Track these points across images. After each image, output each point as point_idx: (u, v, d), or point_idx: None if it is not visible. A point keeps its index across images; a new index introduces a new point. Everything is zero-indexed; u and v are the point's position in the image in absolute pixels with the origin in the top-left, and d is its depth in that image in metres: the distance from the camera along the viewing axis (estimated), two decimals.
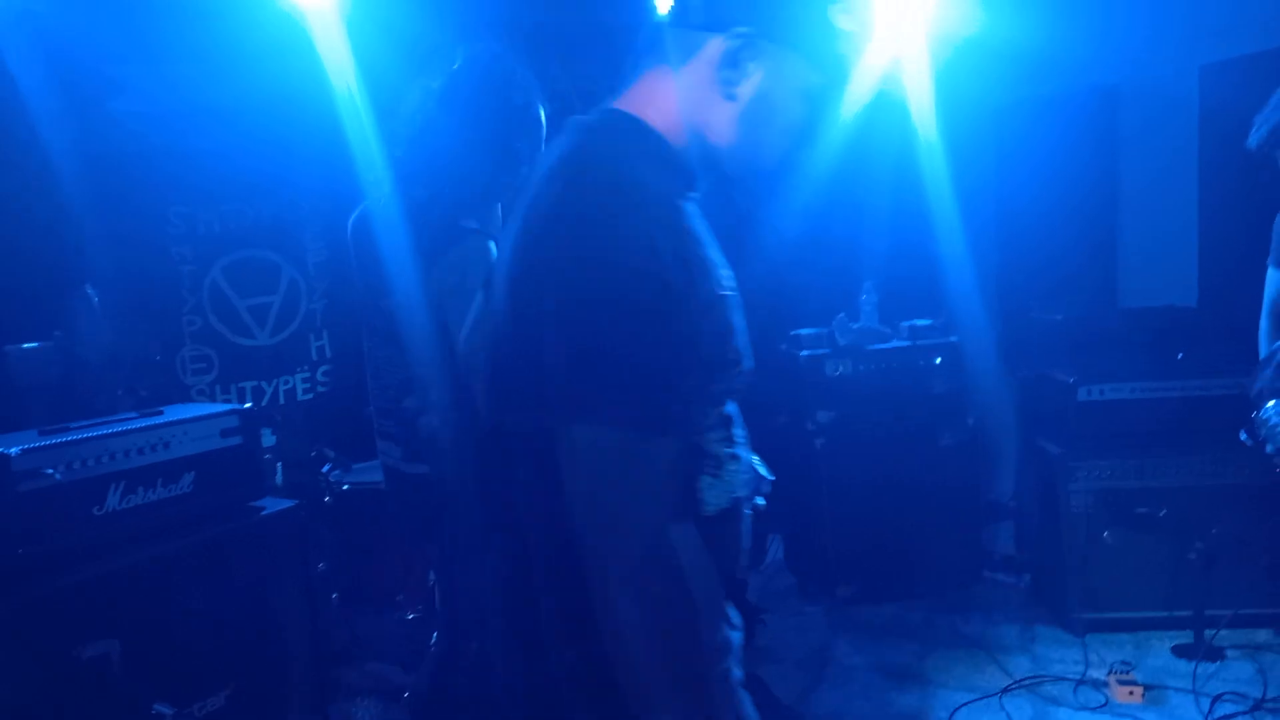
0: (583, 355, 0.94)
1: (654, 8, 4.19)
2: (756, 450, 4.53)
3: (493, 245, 1.85)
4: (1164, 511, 3.29)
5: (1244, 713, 2.84)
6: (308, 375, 4.04)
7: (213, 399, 3.80)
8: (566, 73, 4.51)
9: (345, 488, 3.27)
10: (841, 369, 3.77)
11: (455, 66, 1.92)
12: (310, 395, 4.03)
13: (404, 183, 1.86)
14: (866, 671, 3.31)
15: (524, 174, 1.96)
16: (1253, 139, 2.38)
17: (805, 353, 3.80)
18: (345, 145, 3.09)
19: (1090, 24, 4.26)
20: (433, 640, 3.00)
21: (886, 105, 4.29)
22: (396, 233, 1.78)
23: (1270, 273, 2.67)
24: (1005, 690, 3.08)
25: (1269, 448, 2.33)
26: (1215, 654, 3.17)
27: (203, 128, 3.63)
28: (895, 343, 3.84)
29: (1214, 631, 3.16)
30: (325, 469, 3.33)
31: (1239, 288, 4.03)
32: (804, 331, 3.87)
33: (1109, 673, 3.06)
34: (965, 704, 3.02)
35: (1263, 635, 3.28)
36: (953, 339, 3.84)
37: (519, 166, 1.99)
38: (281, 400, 3.96)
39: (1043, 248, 4.45)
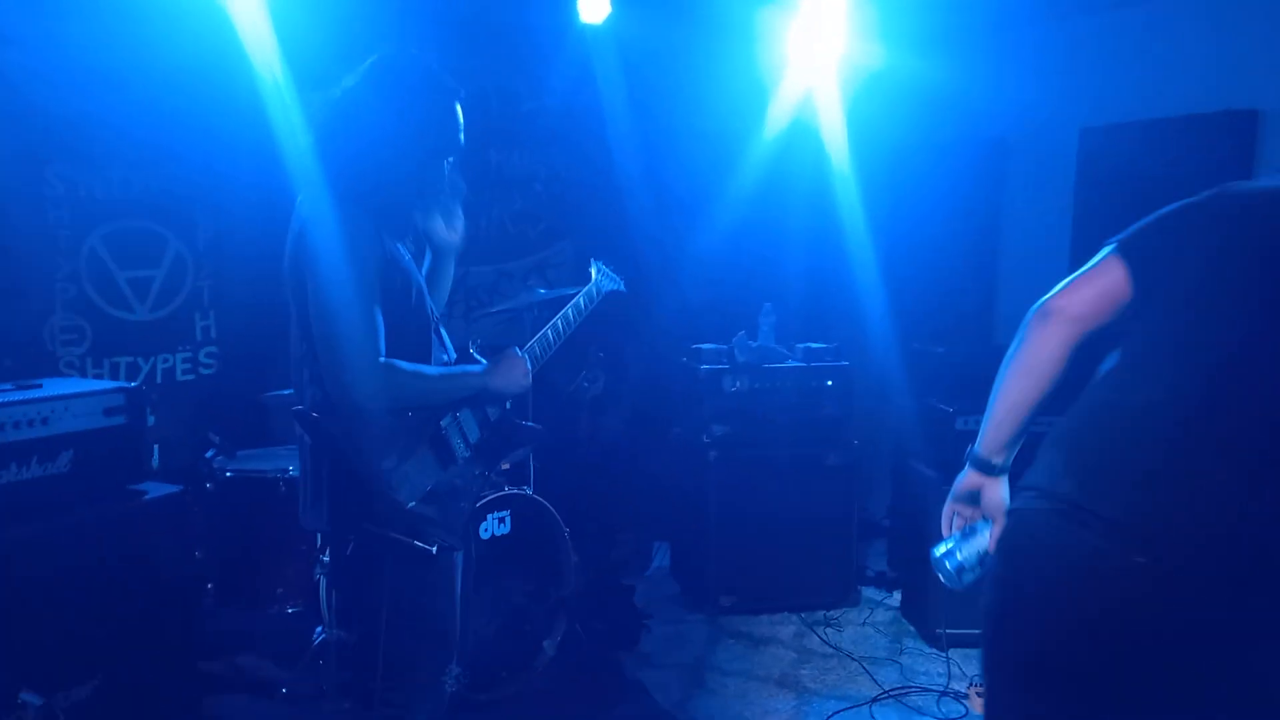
0: None
1: (576, 14, 4.23)
2: (651, 461, 4.59)
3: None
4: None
5: None
6: (189, 355, 3.86)
7: (83, 373, 3.59)
8: (488, 72, 4.50)
9: (228, 475, 3.15)
10: (738, 385, 3.87)
11: (367, 66, 1.91)
12: (192, 376, 3.86)
13: (334, 171, 1.86)
14: (744, 679, 3.41)
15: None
16: None
17: (705, 367, 3.89)
18: (259, 125, 3.00)
19: (985, 78, 4.55)
20: (316, 635, 2.93)
21: (806, 133, 4.50)
22: (328, 225, 1.79)
23: None
24: (875, 700, 3.24)
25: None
26: None
27: (93, 90, 3.45)
28: (790, 363, 3.98)
29: None
30: (209, 454, 3.19)
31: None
32: (705, 346, 3.96)
33: (969, 685, 3.26)
34: (837, 712, 3.16)
35: None
36: (844, 363, 4.01)
37: (443, 162, 1.98)
38: (159, 379, 3.77)
39: (930, 284, 4.70)
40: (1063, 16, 4.38)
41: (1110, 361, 1.51)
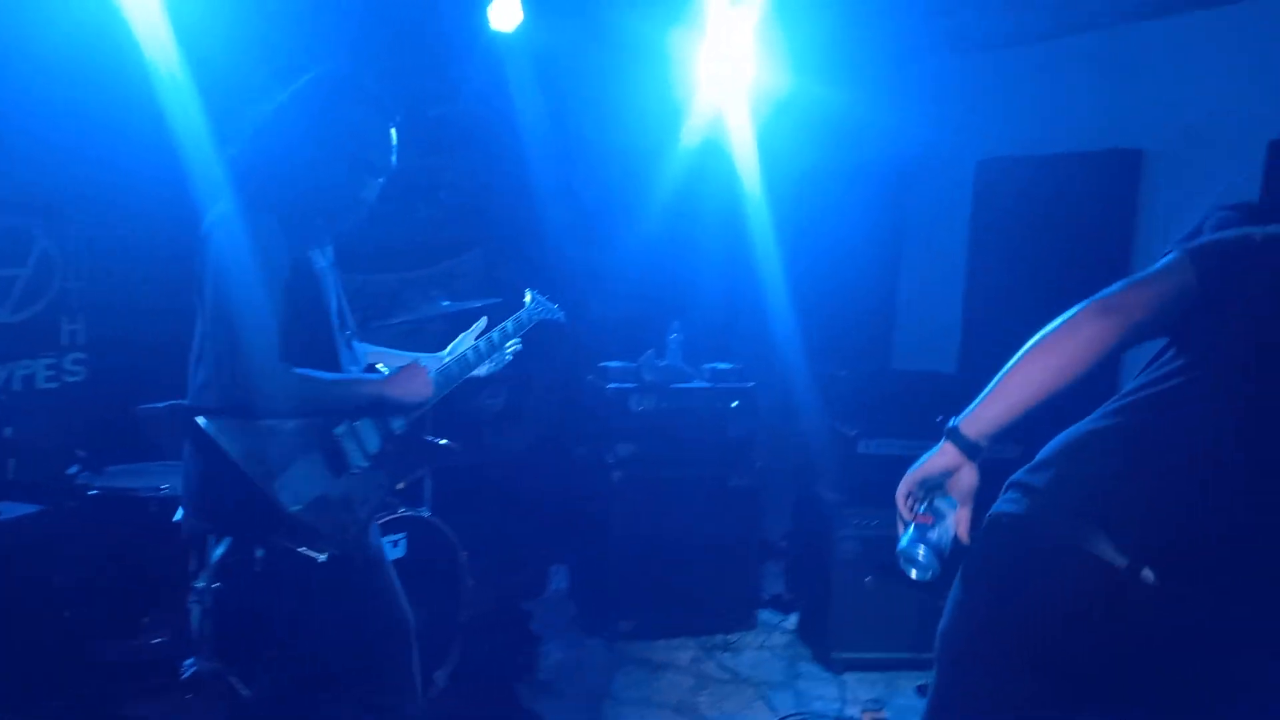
0: None
1: (486, 21, 4.14)
2: (552, 481, 4.55)
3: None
4: None
5: None
6: (53, 361, 3.57)
7: None
8: (394, 74, 4.35)
9: (93, 492, 2.91)
10: (645, 404, 3.83)
11: (307, 78, 1.96)
12: (55, 384, 3.56)
13: (255, 177, 1.90)
14: (642, 707, 3.35)
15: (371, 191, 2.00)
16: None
17: (612, 385, 3.83)
18: (152, 121, 2.82)
19: (889, 108, 4.66)
20: (186, 666, 2.72)
21: (715, 155, 4.50)
22: (237, 229, 1.82)
23: None
24: None
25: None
26: None
27: None
28: (697, 383, 3.96)
29: None
30: (72, 470, 2.94)
31: (993, 360, 4.53)
32: (612, 364, 3.91)
33: (862, 710, 3.28)
34: None
35: None
36: (749, 384, 4.01)
37: (372, 180, 2.00)
38: (17, 387, 3.48)
39: (835, 307, 4.77)
40: (962, 52, 4.52)
41: (1143, 379, 1.51)
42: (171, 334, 3.37)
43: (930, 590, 3.56)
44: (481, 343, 2.30)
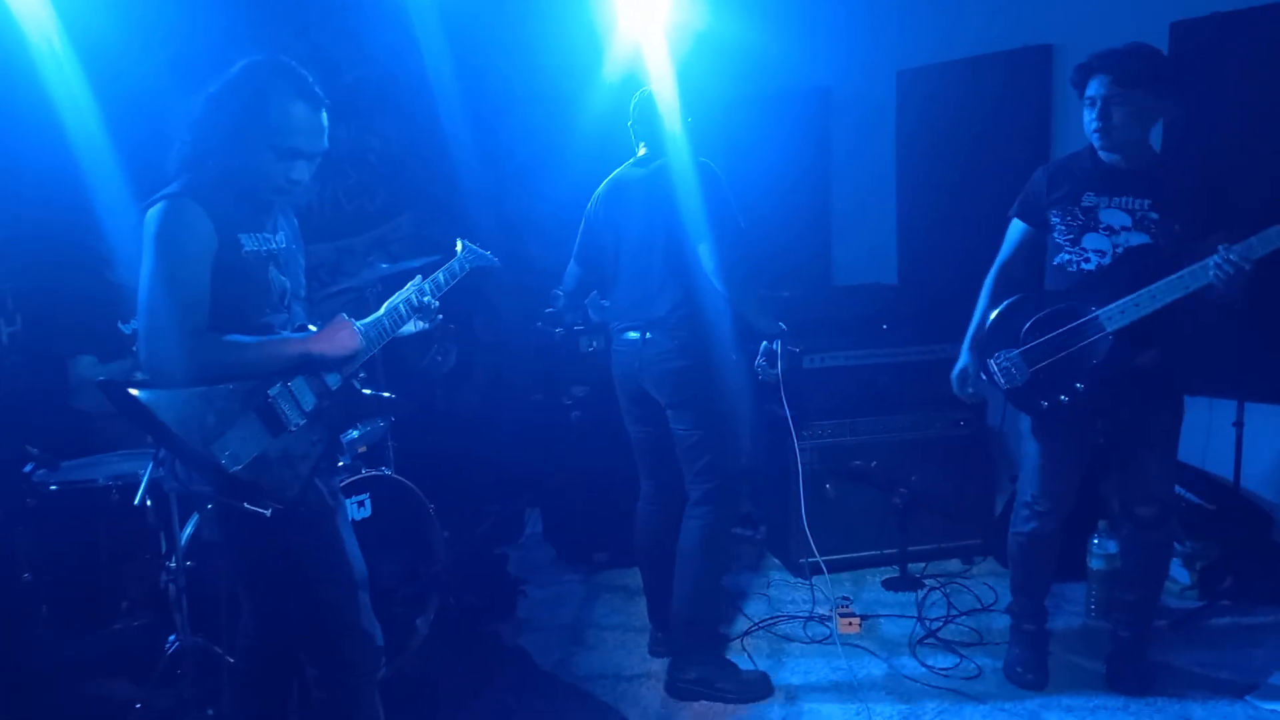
0: None
1: None
2: (515, 428, 4.86)
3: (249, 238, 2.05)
4: (874, 463, 3.74)
5: (934, 632, 3.31)
6: None
7: None
8: (304, 43, 4.27)
9: (53, 488, 2.91)
10: (594, 345, 3.89)
11: (238, 67, 2.01)
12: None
13: (185, 164, 2.01)
14: (622, 631, 3.47)
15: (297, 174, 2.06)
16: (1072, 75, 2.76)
17: (560, 330, 3.88)
18: (44, 110, 2.75)
19: (805, 31, 4.69)
20: (169, 643, 2.78)
21: (637, 92, 4.50)
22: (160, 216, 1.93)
23: (1012, 224, 2.89)
24: (746, 633, 3.37)
25: (1003, 384, 2.67)
26: (916, 584, 3.66)
27: None
28: None
29: (919, 565, 3.65)
30: (27, 469, 2.94)
31: (931, 266, 4.65)
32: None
33: (832, 608, 3.43)
34: None
35: (952, 565, 3.83)
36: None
37: (303, 164, 2.05)
38: None
39: (768, 233, 4.83)
40: None
41: None
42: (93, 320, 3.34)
43: (881, 487, 3.69)
44: (413, 295, 2.31)
